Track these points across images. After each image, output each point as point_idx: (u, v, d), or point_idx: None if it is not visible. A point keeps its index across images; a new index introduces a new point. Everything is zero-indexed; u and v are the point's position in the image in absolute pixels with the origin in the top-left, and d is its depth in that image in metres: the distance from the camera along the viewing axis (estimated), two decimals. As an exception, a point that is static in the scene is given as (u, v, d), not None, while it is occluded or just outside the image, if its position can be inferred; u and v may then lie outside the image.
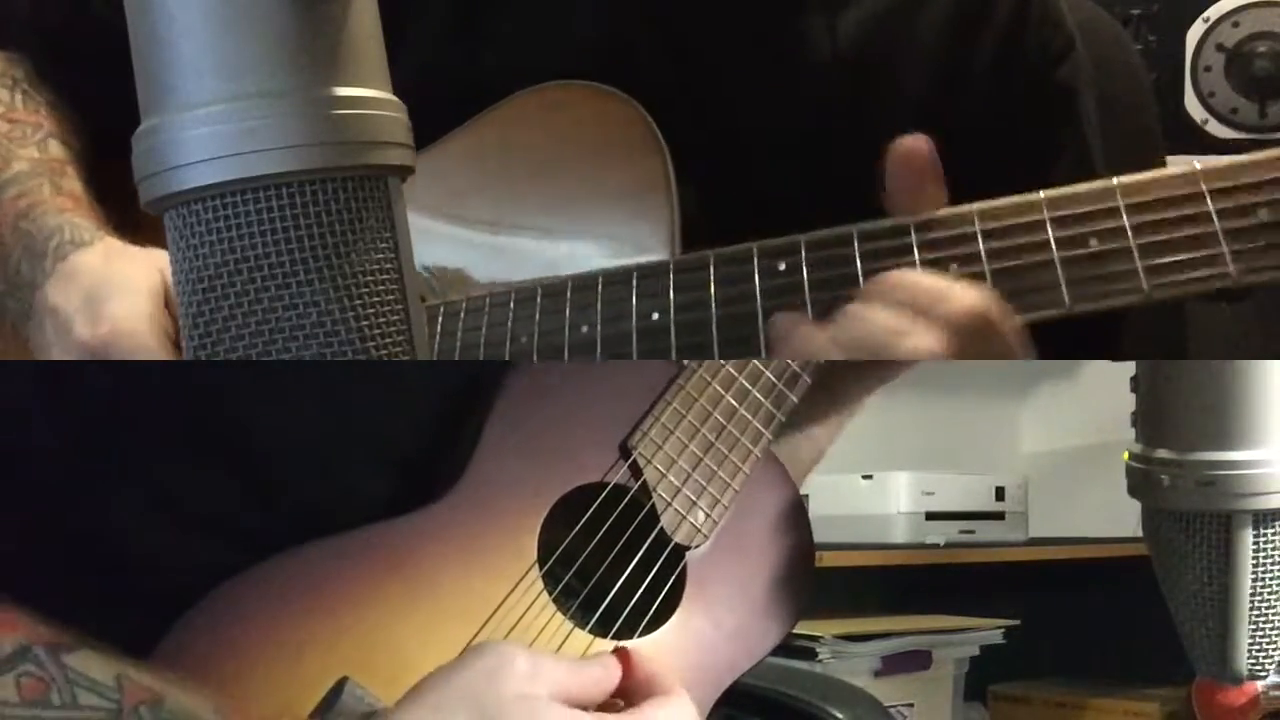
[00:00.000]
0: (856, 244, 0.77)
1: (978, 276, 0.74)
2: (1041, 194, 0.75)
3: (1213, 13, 1.85)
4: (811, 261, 0.77)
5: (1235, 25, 1.84)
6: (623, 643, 0.76)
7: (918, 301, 0.73)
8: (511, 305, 0.85)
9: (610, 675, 0.68)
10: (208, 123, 0.51)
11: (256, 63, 0.51)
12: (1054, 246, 0.73)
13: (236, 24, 0.51)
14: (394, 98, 0.54)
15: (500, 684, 0.62)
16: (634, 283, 0.81)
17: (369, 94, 0.53)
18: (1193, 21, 1.86)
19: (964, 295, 0.72)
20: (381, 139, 0.53)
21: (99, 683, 0.56)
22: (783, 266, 0.78)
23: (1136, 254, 0.72)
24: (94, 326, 0.80)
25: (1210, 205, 0.73)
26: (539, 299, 0.84)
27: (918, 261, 0.75)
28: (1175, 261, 0.73)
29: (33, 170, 0.93)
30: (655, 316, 0.79)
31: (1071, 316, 0.74)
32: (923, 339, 0.72)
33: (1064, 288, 0.73)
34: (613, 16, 0.95)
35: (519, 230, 0.91)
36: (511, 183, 0.92)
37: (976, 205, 0.76)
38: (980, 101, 0.95)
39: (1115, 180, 0.74)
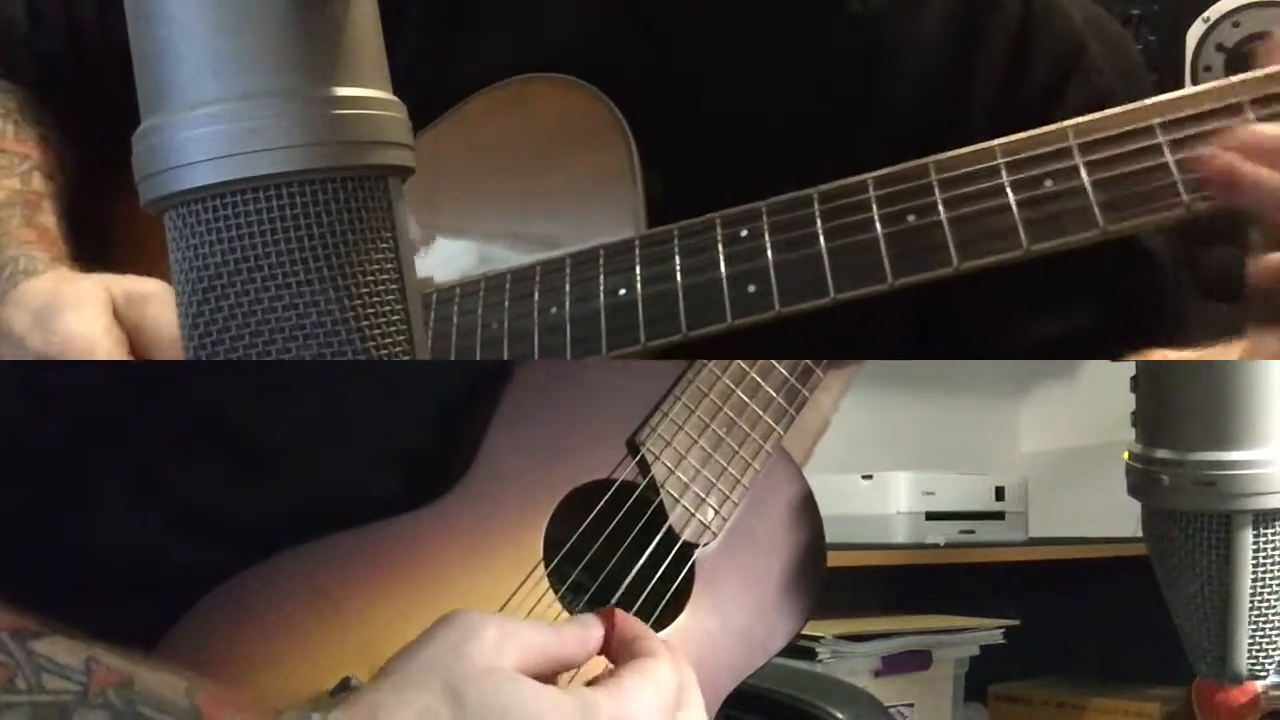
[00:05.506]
0: (816, 204, 0.77)
1: (934, 226, 0.74)
2: (995, 142, 0.76)
3: (1213, 13, 1.85)
4: (773, 225, 0.77)
5: (1235, 25, 1.84)
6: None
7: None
8: (482, 293, 0.85)
9: (591, 636, 0.65)
10: (208, 122, 0.51)
11: (257, 63, 0.51)
12: (1009, 190, 0.73)
13: (237, 24, 0.51)
14: (394, 98, 0.54)
15: (467, 657, 0.60)
16: (601, 261, 0.81)
17: (369, 94, 0.53)
18: (1193, 21, 1.86)
19: None
20: (381, 139, 0.53)
21: (66, 666, 0.55)
22: (745, 233, 0.78)
23: (1090, 191, 0.72)
24: (46, 340, 0.80)
25: (1161, 138, 0.74)
26: (508, 285, 0.84)
27: (875, 216, 0.76)
28: (1129, 195, 0.74)
29: (8, 200, 0.93)
30: (623, 292, 0.80)
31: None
32: None
33: (1021, 230, 0.73)
34: (590, 12, 0.95)
35: (487, 227, 0.91)
36: (478, 180, 0.92)
37: (932, 158, 0.77)
38: (989, 99, 0.95)
39: (1068, 123, 0.75)
